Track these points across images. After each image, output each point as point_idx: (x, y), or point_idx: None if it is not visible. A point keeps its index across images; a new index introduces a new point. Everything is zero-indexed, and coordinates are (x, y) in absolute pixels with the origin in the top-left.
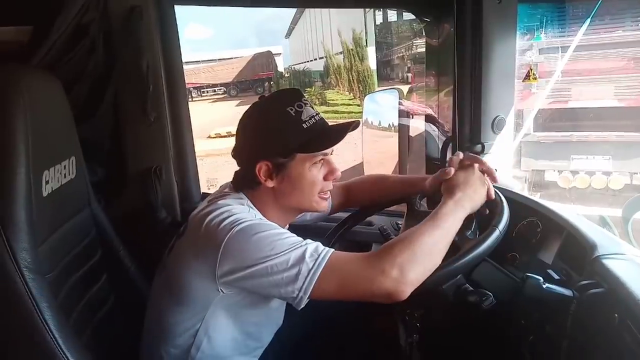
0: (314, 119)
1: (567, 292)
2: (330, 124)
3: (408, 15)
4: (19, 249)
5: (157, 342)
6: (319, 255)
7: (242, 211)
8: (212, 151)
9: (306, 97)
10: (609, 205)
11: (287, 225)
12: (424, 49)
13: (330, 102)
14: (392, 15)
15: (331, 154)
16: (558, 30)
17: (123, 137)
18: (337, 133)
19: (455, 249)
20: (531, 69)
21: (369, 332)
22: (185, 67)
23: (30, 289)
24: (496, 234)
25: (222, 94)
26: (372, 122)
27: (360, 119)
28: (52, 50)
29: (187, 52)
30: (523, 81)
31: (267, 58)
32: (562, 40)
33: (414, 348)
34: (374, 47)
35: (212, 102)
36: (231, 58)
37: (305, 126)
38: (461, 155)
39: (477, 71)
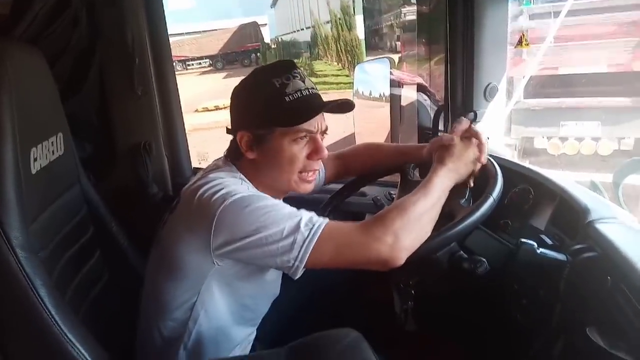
0: (301, 92)
1: (560, 256)
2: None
3: None
4: (11, 227)
5: (154, 317)
6: (314, 225)
7: (234, 183)
8: (200, 125)
9: (300, 71)
10: (597, 171)
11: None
12: (413, 17)
13: (319, 73)
14: None
15: (323, 133)
16: None
17: (110, 112)
18: (317, 108)
19: (450, 217)
20: (523, 35)
21: (364, 301)
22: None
23: (24, 267)
24: (490, 201)
25: (208, 66)
26: (362, 92)
27: (351, 96)
28: (34, 23)
29: (170, 24)
30: (515, 47)
31: (253, 29)
32: (553, 5)
33: (408, 315)
34: (362, 16)
35: (198, 75)
36: (216, 30)
37: (288, 99)
38: (465, 124)
39: (469, 38)
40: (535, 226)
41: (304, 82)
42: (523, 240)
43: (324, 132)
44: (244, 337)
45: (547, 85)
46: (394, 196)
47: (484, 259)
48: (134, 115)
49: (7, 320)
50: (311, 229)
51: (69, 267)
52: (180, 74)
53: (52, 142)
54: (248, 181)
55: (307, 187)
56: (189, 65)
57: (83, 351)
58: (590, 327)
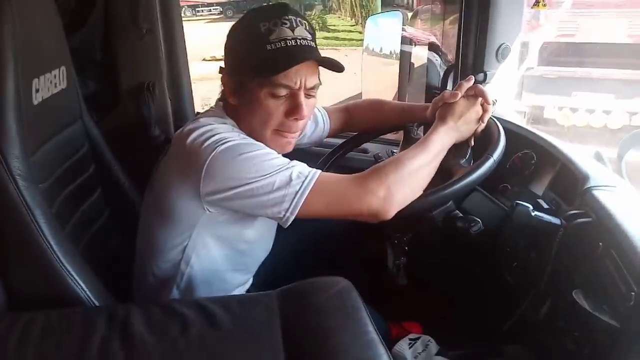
0: (287, 41)
1: (555, 220)
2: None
3: None
4: (11, 156)
5: (148, 258)
6: (306, 177)
7: (225, 130)
8: (207, 74)
9: (296, 17)
10: (606, 145)
11: None
12: None
13: (331, 27)
14: None
15: (308, 91)
16: None
17: (114, 49)
18: (297, 60)
19: (448, 175)
20: None
21: (358, 254)
22: None
23: (24, 197)
24: (490, 162)
25: (218, 14)
26: (372, 49)
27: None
28: None
29: None
30: (532, 7)
31: None
32: None
33: (400, 270)
34: None
35: (207, 22)
36: None
37: (269, 47)
38: (472, 81)
39: None
40: (534, 191)
41: (293, 30)
42: (518, 202)
43: (309, 90)
44: (239, 282)
45: (562, 52)
46: (394, 153)
47: (478, 219)
48: (138, 53)
49: (7, 249)
50: (303, 181)
51: (69, 201)
52: (188, 19)
53: (54, 75)
54: (236, 125)
55: (284, 147)
56: (198, 11)
57: (80, 281)
58: (577, 290)
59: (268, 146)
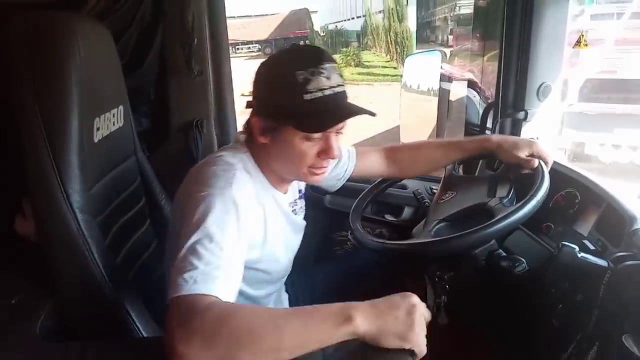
0: (324, 92)
1: (602, 262)
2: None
3: None
4: (72, 190)
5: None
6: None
7: (229, 169)
8: (245, 110)
9: (330, 63)
10: None
11: (288, 188)
12: (467, 11)
13: (366, 63)
14: None
15: (338, 131)
16: None
17: (167, 89)
18: (335, 118)
19: (490, 214)
20: (582, 35)
21: (398, 292)
22: None
23: (83, 229)
24: (533, 203)
25: (257, 51)
26: (410, 86)
27: (399, 89)
28: (101, 1)
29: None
30: (573, 47)
31: (303, 15)
32: (616, 7)
33: (441, 309)
34: (415, 7)
35: (246, 59)
36: (267, 14)
37: (307, 97)
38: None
39: (526, 34)
40: (579, 231)
41: (329, 78)
42: (564, 243)
43: (340, 130)
44: (260, 296)
45: (603, 89)
46: (435, 191)
47: (522, 259)
48: (189, 93)
49: (62, 278)
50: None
51: (122, 232)
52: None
53: (113, 114)
54: (252, 161)
55: (317, 179)
56: (238, 49)
57: (130, 312)
58: (627, 335)
59: (303, 180)
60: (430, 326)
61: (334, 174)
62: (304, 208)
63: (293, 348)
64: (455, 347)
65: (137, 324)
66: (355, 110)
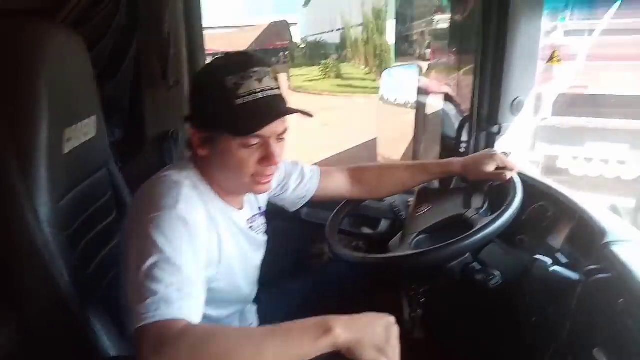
0: (256, 95)
1: (574, 275)
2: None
3: None
4: (40, 204)
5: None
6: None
7: (174, 187)
8: None
9: (261, 67)
10: (620, 195)
11: (244, 204)
12: (445, 25)
13: (346, 75)
14: None
15: (279, 136)
16: (584, 13)
17: (142, 99)
18: (269, 117)
19: (469, 225)
20: (555, 51)
21: (373, 305)
22: None
23: (50, 244)
24: (509, 214)
25: None
26: (387, 98)
27: (376, 100)
28: (76, 9)
29: (204, 17)
30: (546, 63)
31: (282, 27)
32: (588, 24)
33: (416, 322)
34: (394, 21)
35: None
36: (247, 25)
37: (238, 102)
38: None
39: (501, 50)
40: (551, 244)
41: (261, 81)
42: (537, 256)
43: (280, 136)
44: (221, 316)
45: (575, 103)
46: (409, 204)
47: (497, 272)
48: (165, 104)
49: (29, 293)
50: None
51: (92, 246)
52: None
53: (85, 124)
54: (199, 176)
55: (262, 189)
56: None
57: (97, 328)
58: (598, 349)
59: (248, 192)
60: (406, 341)
61: (297, 193)
62: (265, 224)
63: None
64: None
65: (105, 341)
66: (290, 111)
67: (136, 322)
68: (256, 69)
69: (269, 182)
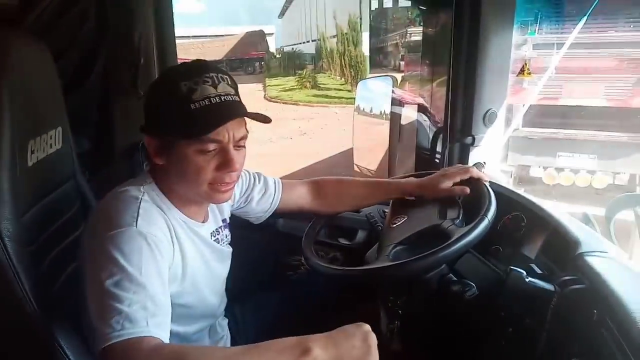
0: (211, 99)
1: (548, 286)
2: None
3: (404, 2)
4: (2, 219)
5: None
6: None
7: (130, 214)
8: None
9: (216, 73)
10: (591, 204)
11: (208, 216)
12: (418, 37)
13: (322, 86)
14: (388, 1)
15: (237, 142)
16: (553, 27)
17: (111, 109)
18: (223, 118)
19: (446, 235)
20: (526, 64)
21: (350, 317)
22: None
23: (12, 259)
24: (485, 223)
25: None
26: (363, 109)
27: (352, 111)
28: (43, 15)
29: (178, 26)
30: (517, 76)
31: (258, 37)
32: (557, 37)
33: (394, 334)
34: (368, 33)
35: None
36: (222, 35)
37: (193, 106)
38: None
39: (473, 63)
40: (526, 254)
41: (216, 87)
42: (512, 267)
43: (238, 142)
44: (190, 332)
45: (546, 115)
46: (386, 213)
47: (473, 284)
48: (135, 114)
49: None
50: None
51: (59, 261)
52: None
53: (50, 136)
54: (157, 189)
55: (222, 197)
56: None
57: (64, 346)
58: (574, 359)
59: (207, 201)
60: (384, 352)
61: (261, 206)
62: (230, 237)
63: None
64: None
65: (71, 358)
66: (243, 112)
67: (101, 342)
68: (212, 74)
69: (228, 190)
